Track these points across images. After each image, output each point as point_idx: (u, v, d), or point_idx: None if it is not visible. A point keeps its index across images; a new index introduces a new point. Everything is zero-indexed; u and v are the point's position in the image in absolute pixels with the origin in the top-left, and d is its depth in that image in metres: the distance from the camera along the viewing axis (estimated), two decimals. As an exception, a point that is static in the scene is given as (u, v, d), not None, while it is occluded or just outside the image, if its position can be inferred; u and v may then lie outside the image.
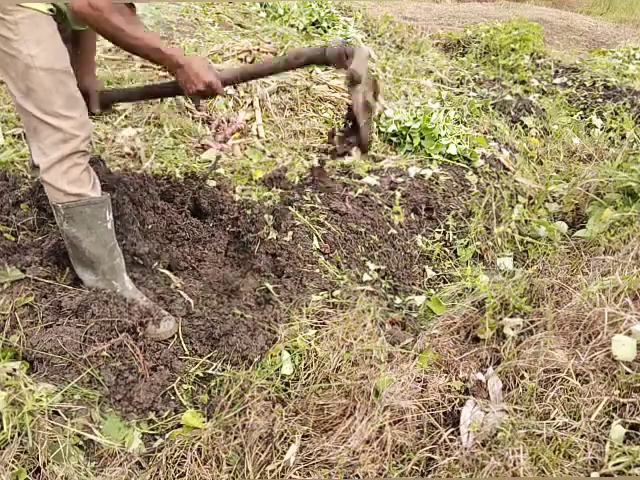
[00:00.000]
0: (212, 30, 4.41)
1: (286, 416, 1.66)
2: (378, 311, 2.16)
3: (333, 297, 2.21)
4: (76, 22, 1.63)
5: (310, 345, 1.86)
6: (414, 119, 3.47)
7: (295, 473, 1.51)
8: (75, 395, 1.55)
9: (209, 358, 1.81)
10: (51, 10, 1.56)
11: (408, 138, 3.41)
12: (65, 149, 1.62)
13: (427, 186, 2.93)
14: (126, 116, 3.09)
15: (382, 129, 3.57)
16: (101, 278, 1.82)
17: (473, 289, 2.28)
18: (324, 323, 2.10)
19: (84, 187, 1.70)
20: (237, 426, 1.58)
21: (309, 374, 1.79)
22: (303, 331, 1.91)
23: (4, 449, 1.34)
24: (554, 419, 1.53)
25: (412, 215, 2.78)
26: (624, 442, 1.43)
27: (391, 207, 2.71)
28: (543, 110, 4.53)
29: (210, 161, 2.89)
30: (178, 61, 1.65)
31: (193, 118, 3.20)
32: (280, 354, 1.83)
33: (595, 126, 4.50)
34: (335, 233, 2.40)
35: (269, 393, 1.71)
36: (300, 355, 1.84)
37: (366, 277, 2.38)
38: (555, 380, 1.64)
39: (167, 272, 2.08)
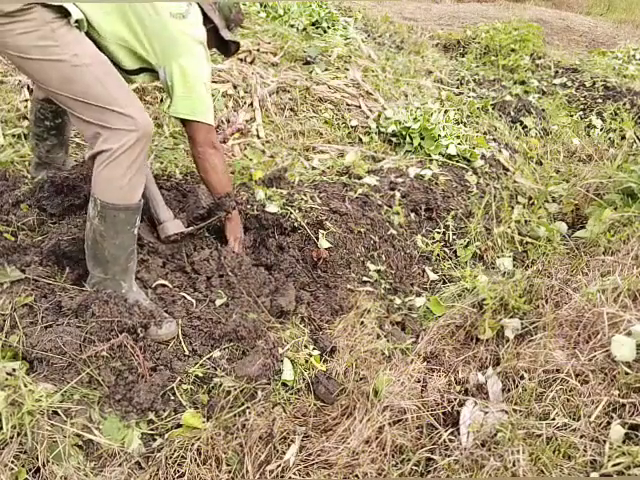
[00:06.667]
0: (212, 30, 4.40)
1: (286, 416, 1.66)
2: (378, 312, 2.16)
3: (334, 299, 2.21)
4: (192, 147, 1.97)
5: (310, 356, 1.87)
6: (414, 119, 3.47)
7: (295, 473, 1.51)
8: (75, 395, 1.55)
9: (209, 358, 1.81)
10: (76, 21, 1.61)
11: (408, 138, 3.41)
12: (135, 135, 1.62)
13: (427, 186, 2.93)
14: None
15: (382, 129, 3.57)
16: (110, 277, 1.80)
17: (473, 289, 2.28)
18: (325, 323, 2.10)
19: (138, 192, 1.72)
20: (237, 426, 1.58)
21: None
22: (304, 346, 1.92)
23: (3, 449, 1.33)
24: (554, 419, 1.53)
25: (412, 215, 2.78)
26: (623, 442, 1.43)
27: (391, 207, 2.71)
28: (543, 110, 4.53)
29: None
30: (229, 214, 2.17)
31: (193, 118, 3.20)
32: (282, 362, 1.83)
33: (595, 126, 4.50)
34: (335, 233, 2.40)
35: (268, 394, 1.72)
36: (301, 366, 1.84)
37: (366, 277, 2.38)
38: (555, 380, 1.64)
39: (164, 282, 2.07)
